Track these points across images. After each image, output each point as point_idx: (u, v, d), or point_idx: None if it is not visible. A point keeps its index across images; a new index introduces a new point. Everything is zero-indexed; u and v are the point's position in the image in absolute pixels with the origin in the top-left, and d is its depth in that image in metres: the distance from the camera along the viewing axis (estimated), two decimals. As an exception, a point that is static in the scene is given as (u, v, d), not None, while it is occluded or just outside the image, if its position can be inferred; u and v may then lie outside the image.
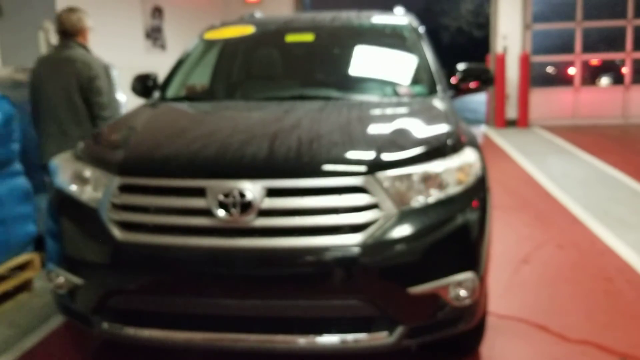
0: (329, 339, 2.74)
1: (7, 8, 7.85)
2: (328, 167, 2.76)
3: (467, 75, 4.16)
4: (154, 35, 11.98)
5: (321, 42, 4.53)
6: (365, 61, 4.41)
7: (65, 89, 4.60)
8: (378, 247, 2.65)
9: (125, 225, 2.82)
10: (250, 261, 2.69)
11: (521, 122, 13.37)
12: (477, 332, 3.34)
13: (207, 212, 2.72)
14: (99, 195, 2.93)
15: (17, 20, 7.97)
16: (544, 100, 13.75)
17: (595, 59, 14.73)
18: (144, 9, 11.50)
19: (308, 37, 4.54)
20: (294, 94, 3.99)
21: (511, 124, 13.44)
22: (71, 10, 4.82)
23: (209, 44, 4.79)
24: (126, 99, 6.07)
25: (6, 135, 4.43)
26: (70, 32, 4.79)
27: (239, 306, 2.74)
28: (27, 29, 7.47)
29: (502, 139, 11.57)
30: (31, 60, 5.05)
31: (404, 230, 2.69)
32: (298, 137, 2.99)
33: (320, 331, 2.75)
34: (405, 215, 2.72)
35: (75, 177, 3.07)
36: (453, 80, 4.17)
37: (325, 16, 4.75)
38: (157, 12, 12.08)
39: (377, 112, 3.54)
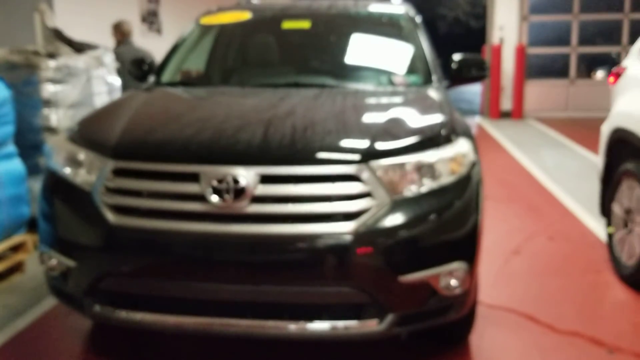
0: (319, 326, 2.76)
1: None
2: (322, 154, 2.77)
3: (462, 66, 4.16)
4: (150, 19, 11.94)
5: (317, 29, 4.52)
6: (361, 50, 4.41)
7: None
8: (370, 235, 2.66)
9: (119, 209, 2.82)
10: (243, 247, 2.71)
11: (516, 113, 13.38)
12: (467, 321, 3.37)
13: (201, 198, 2.73)
14: (92, 178, 2.93)
15: (12, 2, 7.93)
16: (538, 92, 13.76)
17: (591, 52, 14.73)
18: (140, -7, 11.45)
19: (304, 24, 4.54)
20: (289, 81, 4.00)
21: (506, 115, 13.46)
22: (125, 22, 7.83)
23: (205, 29, 4.78)
24: (121, 83, 6.08)
25: (0, 117, 4.43)
26: (127, 34, 7.80)
27: (230, 291, 2.76)
28: (23, 10, 7.43)
29: (496, 130, 11.59)
30: (27, 42, 5.08)
31: (396, 219, 2.71)
32: (292, 124, 3.00)
33: (311, 317, 2.77)
34: (397, 204, 2.74)
35: (69, 159, 3.07)
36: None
37: (322, 4, 4.74)
38: (154, -5, 12.03)
39: (371, 100, 3.55)
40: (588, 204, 6.38)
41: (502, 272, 4.59)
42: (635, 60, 4.87)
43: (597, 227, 5.60)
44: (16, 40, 6.73)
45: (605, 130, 4.79)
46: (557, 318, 3.83)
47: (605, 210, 4.77)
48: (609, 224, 4.72)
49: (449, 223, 2.83)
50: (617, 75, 4.98)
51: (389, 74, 4.14)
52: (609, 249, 4.68)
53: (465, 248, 2.89)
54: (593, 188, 7.04)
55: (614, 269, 4.53)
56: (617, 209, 4.57)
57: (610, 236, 4.65)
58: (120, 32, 7.80)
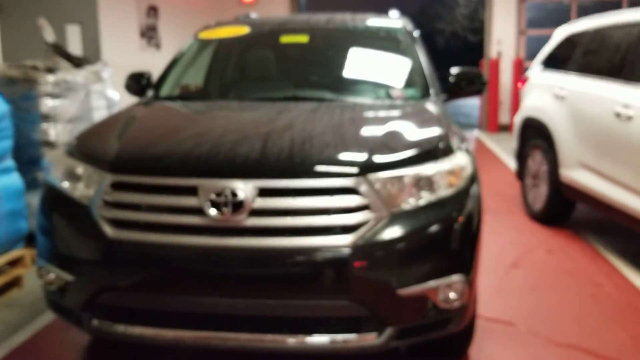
0: (318, 339, 2.75)
1: (8, 4, 7.85)
2: (320, 168, 2.77)
3: (460, 79, 4.17)
4: (149, 34, 11.98)
5: (315, 43, 4.54)
6: (359, 63, 4.43)
7: None
8: (368, 248, 2.66)
9: (117, 223, 2.82)
10: (241, 260, 2.70)
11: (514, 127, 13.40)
12: (466, 334, 3.36)
13: (199, 211, 2.73)
14: (90, 192, 2.93)
15: (17, 17, 7.97)
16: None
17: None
18: (139, 8, 11.50)
19: (302, 39, 4.55)
20: (287, 94, 4.01)
21: (504, 128, 13.48)
22: None
23: (204, 44, 4.80)
24: (119, 97, 6.09)
25: (-1, 131, 4.44)
26: None
27: (229, 305, 2.75)
28: (28, 25, 7.48)
29: (495, 144, 11.60)
30: (33, 56, 5.14)
31: (394, 231, 2.71)
32: (290, 137, 3.01)
33: (310, 331, 2.76)
34: (396, 217, 2.74)
35: (67, 174, 3.07)
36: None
37: (320, 18, 4.76)
38: (152, 11, 12.08)
39: (369, 114, 3.56)
40: (586, 216, 6.39)
41: (501, 285, 4.58)
42: (535, 71, 6.90)
43: (595, 240, 5.61)
44: (23, 54, 6.77)
45: (518, 119, 6.89)
46: (556, 331, 3.82)
47: (521, 175, 6.83)
48: (522, 186, 6.81)
49: (447, 236, 2.83)
50: (524, 82, 7.10)
51: (386, 87, 4.15)
52: (522, 198, 6.78)
53: (464, 261, 2.88)
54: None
55: (525, 211, 6.60)
56: (528, 172, 6.61)
57: (523, 189, 6.78)
58: None
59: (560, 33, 6.66)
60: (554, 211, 6.11)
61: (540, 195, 6.28)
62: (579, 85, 5.76)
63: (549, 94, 6.23)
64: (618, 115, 4.90)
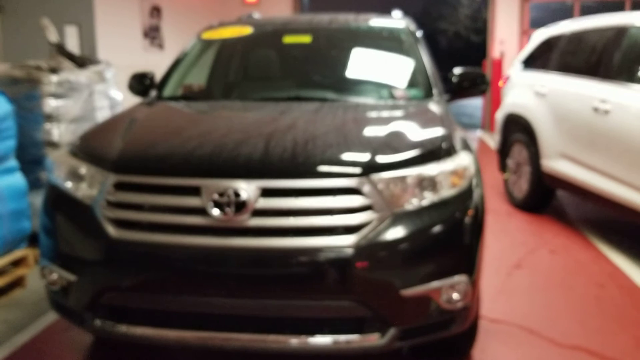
0: (321, 340, 2.74)
1: (8, 5, 7.85)
2: (323, 168, 2.77)
3: (463, 80, 4.16)
4: (152, 34, 11.99)
5: (318, 44, 4.54)
6: (362, 64, 4.43)
7: None
8: (371, 249, 2.66)
9: (120, 223, 2.82)
10: (244, 261, 2.70)
11: (517, 127, 13.39)
12: (469, 335, 3.36)
13: (202, 211, 2.72)
14: (94, 192, 2.93)
15: (18, 17, 7.97)
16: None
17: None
18: (142, 8, 11.51)
19: (305, 39, 4.55)
20: (290, 95, 4.00)
21: (507, 129, 13.46)
22: None
23: (207, 44, 4.80)
24: (122, 97, 6.10)
25: (2, 131, 4.44)
26: None
27: (231, 305, 2.75)
28: (29, 25, 7.48)
29: (498, 144, 11.58)
30: (34, 57, 5.14)
31: (397, 232, 2.70)
32: (293, 138, 3.00)
33: (313, 332, 2.75)
34: (398, 217, 2.73)
35: (70, 174, 3.06)
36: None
37: (323, 18, 4.76)
38: (156, 11, 12.09)
39: (372, 114, 3.55)
40: (589, 217, 6.37)
41: (504, 286, 4.57)
42: (515, 70, 7.45)
43: (598, 241, 5.60)
44: (25, 54, 6.77)
45: (500, 115, 7.42)
46: (559, 332, 3.81)
47: (503, 167, 7.36)
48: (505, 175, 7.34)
49: (450, 236, 2.83)
50: (505, 81, 7.64)
51: (389, 87, 4.15)
52: (505, 189, 7.29)
53: (467, 261, 2.88)
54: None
55: (509, 200, 7.09)
56: (510, 163, 7.15)
57: (506, 181, 7.27)
58: None
59: (539, 35, 7.24)
60: (536, 199, 6.62)
61: (522, 184, 6.82)
62: (559, 83, 6.29)
63: (530, 92, 6.76)
64: (596, 109, 5.41)
